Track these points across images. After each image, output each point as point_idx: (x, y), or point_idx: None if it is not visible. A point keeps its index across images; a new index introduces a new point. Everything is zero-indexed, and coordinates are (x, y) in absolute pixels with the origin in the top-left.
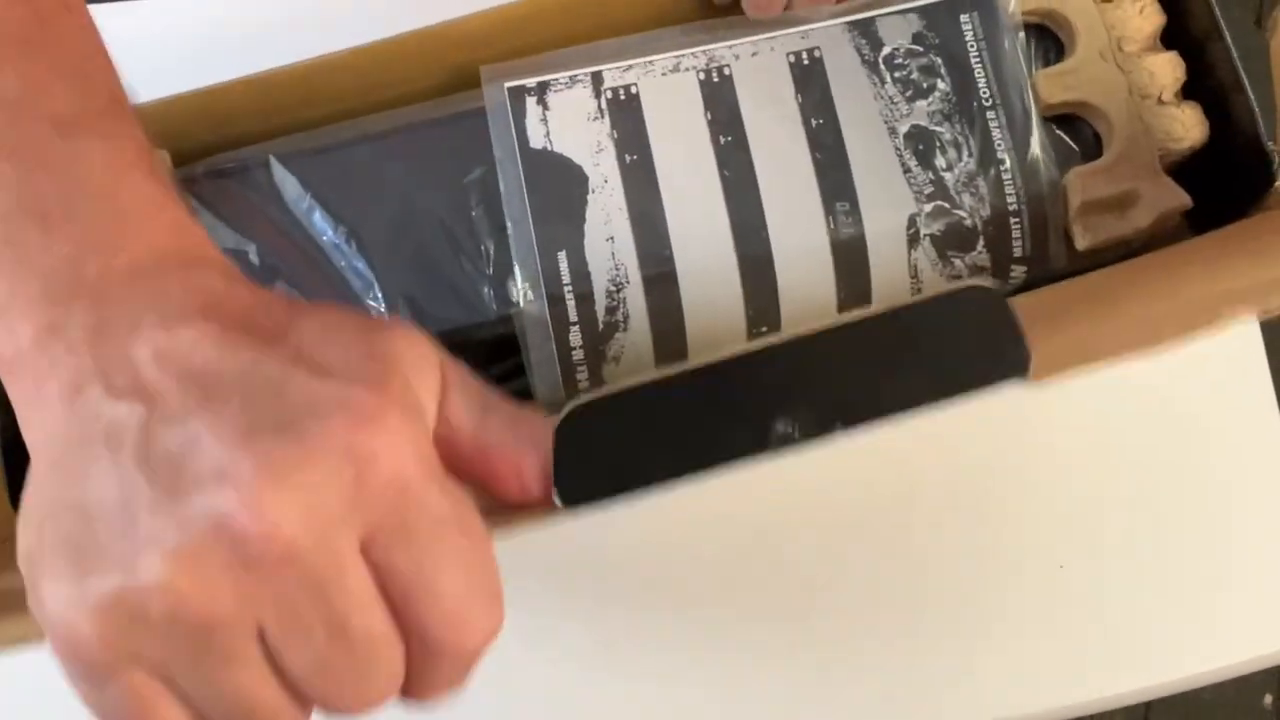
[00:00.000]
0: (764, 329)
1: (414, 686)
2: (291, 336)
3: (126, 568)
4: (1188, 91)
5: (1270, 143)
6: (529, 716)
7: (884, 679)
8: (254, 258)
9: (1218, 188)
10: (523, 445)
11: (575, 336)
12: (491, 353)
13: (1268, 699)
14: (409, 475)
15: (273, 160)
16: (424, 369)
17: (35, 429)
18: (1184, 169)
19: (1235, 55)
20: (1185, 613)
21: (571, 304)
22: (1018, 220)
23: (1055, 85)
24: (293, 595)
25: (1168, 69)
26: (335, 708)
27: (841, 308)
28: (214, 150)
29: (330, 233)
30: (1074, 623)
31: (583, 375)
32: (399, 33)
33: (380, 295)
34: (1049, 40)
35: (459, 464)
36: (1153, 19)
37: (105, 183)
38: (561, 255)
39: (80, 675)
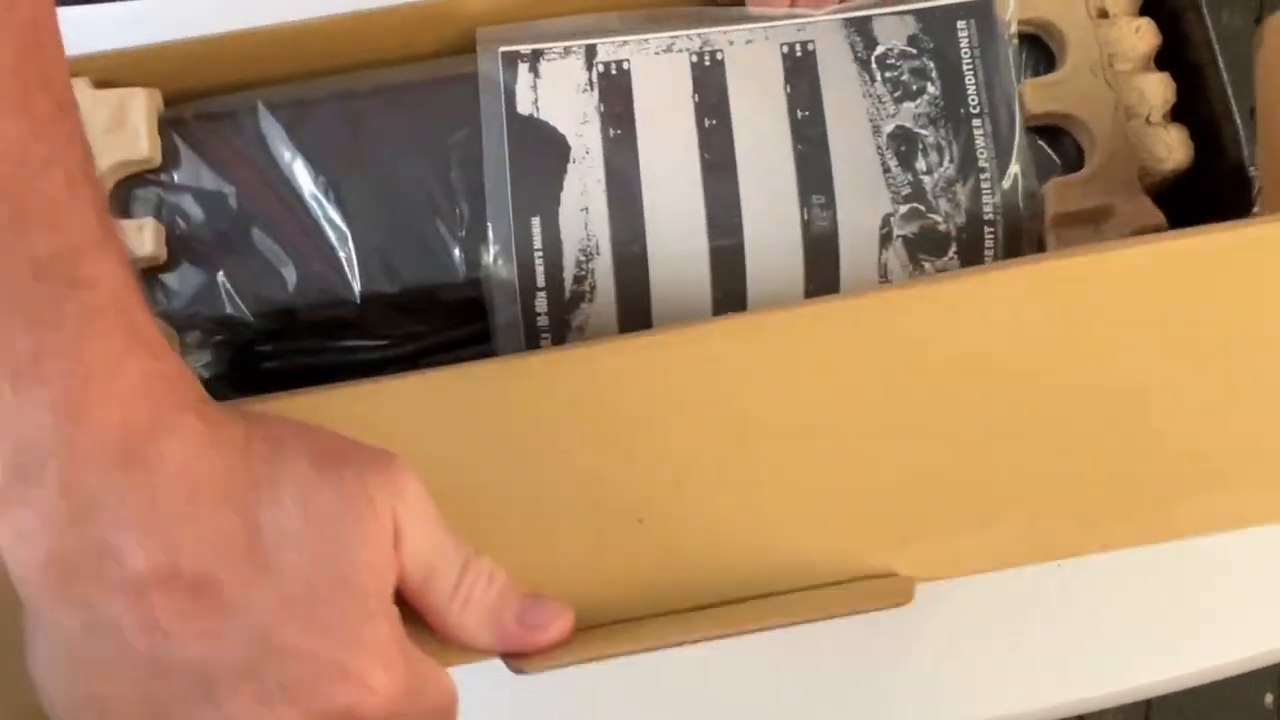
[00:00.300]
0: (729, 312)
1: None
2: (267, 559)
3: None
4: (1178, 114)
5: (1253, 169)
6: None
7: (880, 677)
8: (233, 201)
9: (1197, 211)
10: (485, 635)
11: (541, 302)
12: (458, 315)
13: (1268, 698)
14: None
15: (261, 108)
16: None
17: (27, 593)
18: (1166, 191)
19: (1228, 84)
20: (1185, 611)
21: (540, 270)
22: (992, 230)
23: (1042, 96)
24: None
25: (1158, 90)
26: None
27: (808, 297)
28: (205, 95)
29: (310, 183)
30: (1073, 621)
31: (546, 343)
32: (402, 2)
33: (353, 249)
34: (1040, 51)
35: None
36: (1147, 39)
37: (75, 340)
38: (535, 221)
39: None
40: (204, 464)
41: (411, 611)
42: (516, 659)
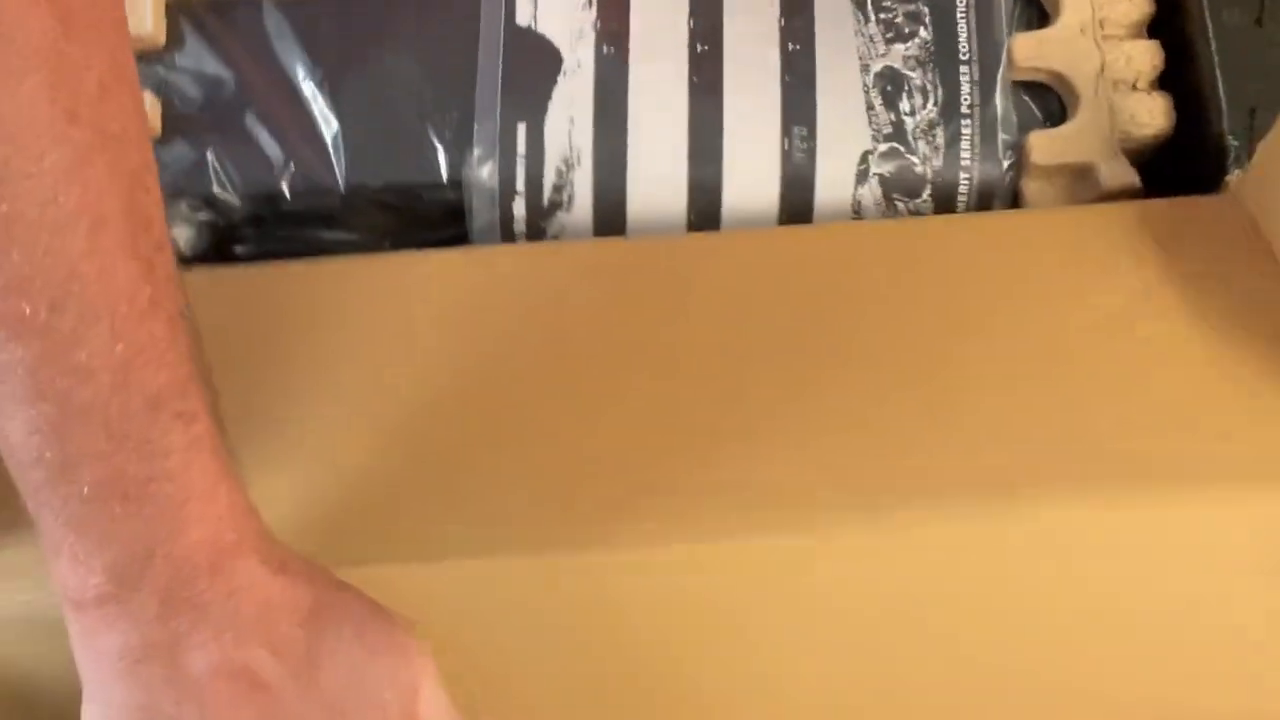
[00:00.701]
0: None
1: None
2: (319, 673)
3: None
4: (1165, 82)
5: (1231, 138)
6: None
7: None
8: (231, 86)
9: (1175, 176)
10: None
11: (519, 207)
12: (438, 219)
13: None
14: None
15: (266, 1)
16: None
17: (90, 668)
18: (1147, 157)
19: (1217, 59)
20: None
21: (521, 175)
22: (967, 176)
23: (1030, 50)
24: None
25: (1146, 56)
26: None
27: (781, 225)
28: None
29: (307, 76)
30: None
31: None
32: None
33: (341, 142)
34: (1035, 8)
35: None
36: (1141, 7)
37: (179, 468)
38: (521, 127)
39: None
40: (277, 585)
41: None
42: None
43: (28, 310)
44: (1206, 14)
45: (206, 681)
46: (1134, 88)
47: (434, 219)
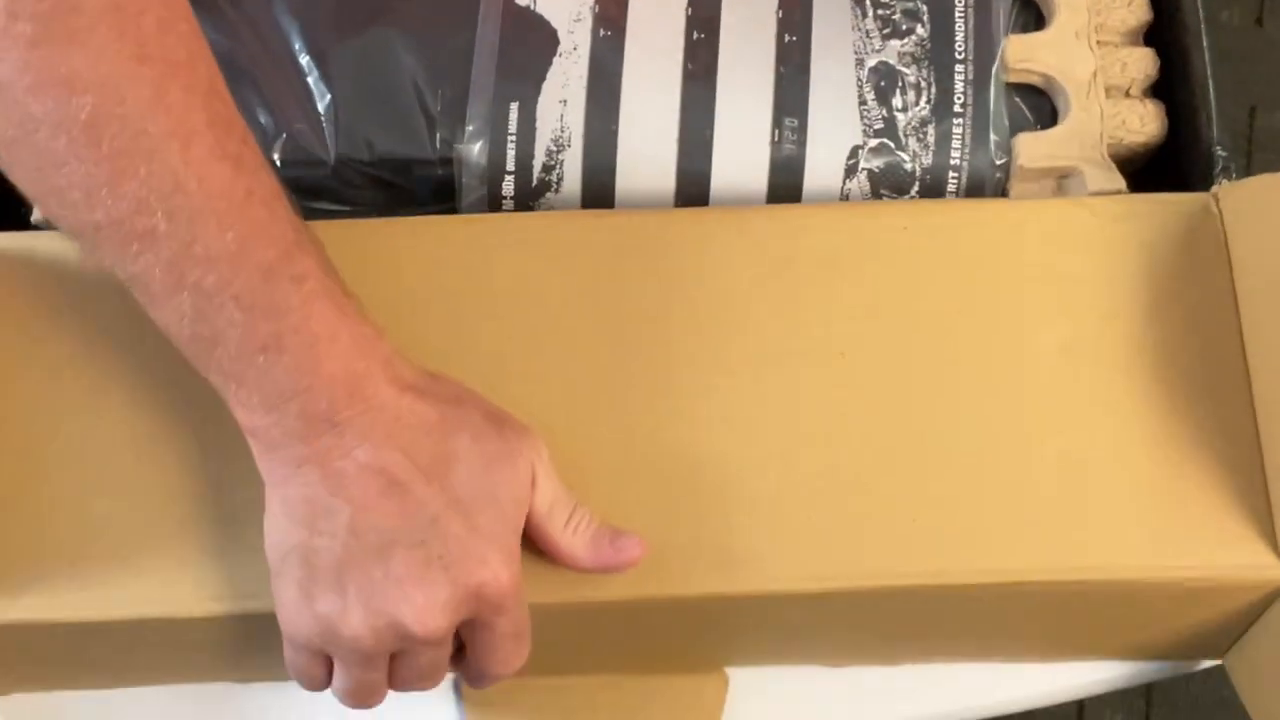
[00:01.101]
0: None
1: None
2: (444, 472)
3: (335, 607)
4: (1159, 89)
5: (1219, 149)
6: None
7: None
8: (227, 54)
9: (1163, 183)
10: (587, 556)
11: (508, 186)
12: (428, 192)
13: None
14: (505, 604)
15: None
16: (540, 487)
17: (268, 474)
18: (1137, 163)
19: (1209, 68)
20: None
21: (511, 154)
22: (956, 175)
23: (1023, 52)
24: (416, 650)
25: (1140, 64)
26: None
27: None
28: None
29: (303, 47)
30: None
31: None
32: None
33: (335, 113)
34: (1032, 12)
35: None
36: (1138, 14)
37: (300, 320)
38: (514, 106)
39: (288, 642)
40: (405, 400)
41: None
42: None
43: (149, 224)
44: (1202, 24)
45: (353, 478)
46: (1127, 94)
47: (423, 194)
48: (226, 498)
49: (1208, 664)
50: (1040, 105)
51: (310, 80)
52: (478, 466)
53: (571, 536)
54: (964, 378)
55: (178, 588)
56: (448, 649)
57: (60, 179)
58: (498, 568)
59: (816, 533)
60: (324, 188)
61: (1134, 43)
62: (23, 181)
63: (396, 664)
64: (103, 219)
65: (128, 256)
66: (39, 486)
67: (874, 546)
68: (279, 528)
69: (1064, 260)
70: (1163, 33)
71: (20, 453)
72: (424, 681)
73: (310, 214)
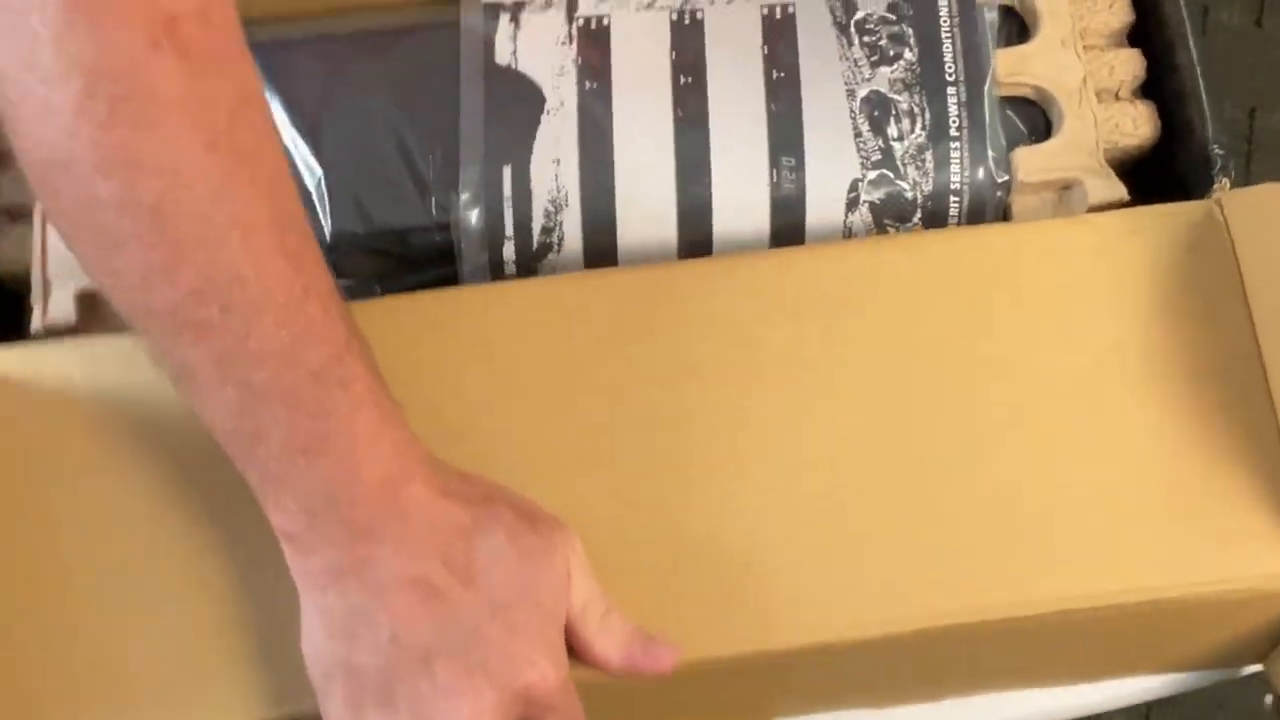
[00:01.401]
0: None
1: None
2: (481, 576)
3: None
4: (1148, 90)
5: (1216, 147)
6: None
7: None
8: None
9: (1161, 184)
10: (619, 658)
11: (509, 251)
12: (428, 259)
13: (1268, 699)
14: (554, 702)
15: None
16: (576, 585)
17: (302, 581)
18: (1132, 167)
19: (1198, 63)
20: None
21: (509, 219)
22: (958, 199)
23: (1012, 65)
24: None
25: (1128, 65)
26: None
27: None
28: None
29: (287, 122)
30: None
31: None
32: None
33: (325, 188)
34: (1015, 22)
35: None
36: (1121, 15)
37: (345, 424)
38: (506, 170)
39: None
40: (440, 505)
41: None
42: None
43: (205, 314)
44: (1186, 20)
45: (393, 589)
46: (1117, 97)
47: (423, 260)
48: (264, 616)
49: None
50: (1033, 116)
51: (299, 155)
52: (514, 566)
53: (605, 637)
54: (983, 408)
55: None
56: None
57: (120, 261)
58: (545, 668)
59: (851, 579)
60: None
61: (1118, 45)
62: (83, 259)
63: None
64: (159, 305)
65: (181, 345)
66: (70, 640)
67: (908, 588)
68: (318, 640)
69: (1072, 281)
70: (1147, 32)
71: (39, 606)
72: None
73: None
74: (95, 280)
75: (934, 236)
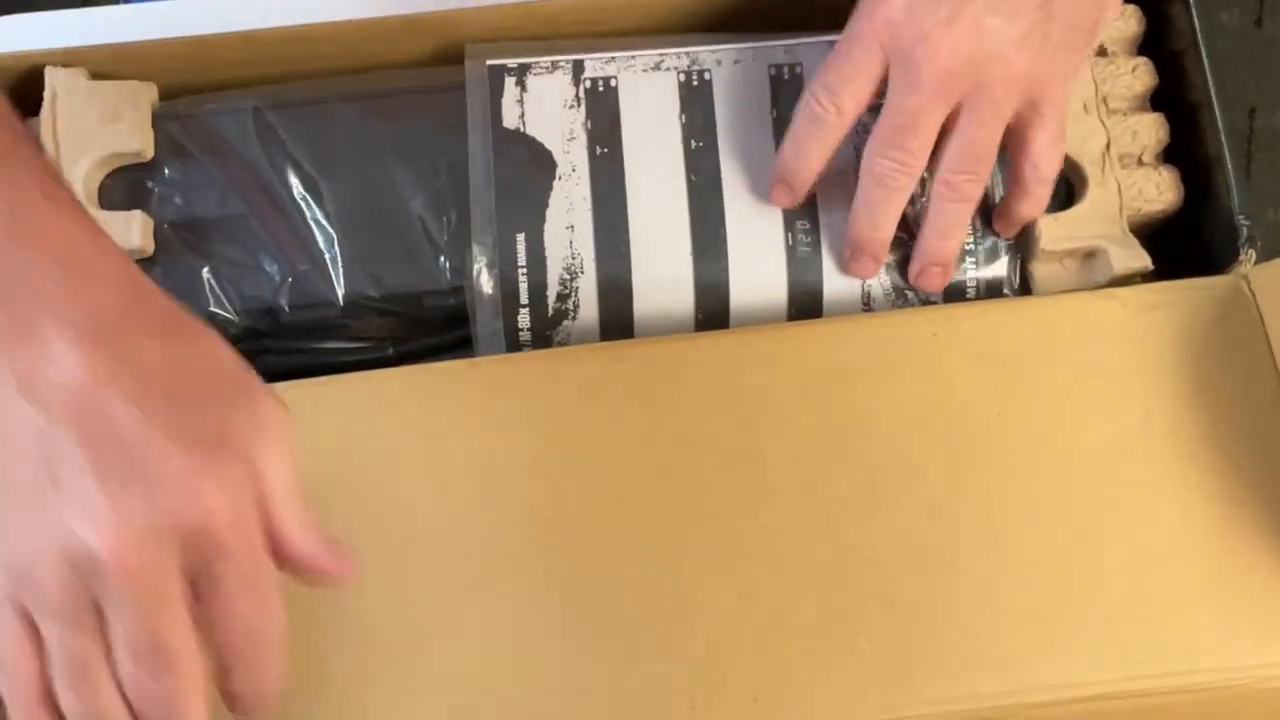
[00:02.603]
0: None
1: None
2: (165, 375)
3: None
4: (1172, 154)
5: (1242, 217)
6: None
7: None
8: (222, 199)
9: (1186, 253)
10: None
11: (524, 319)
12: (442, 322)
13: None
14: (223, 537)
15: (254, 108)
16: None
17: None
18: (1156, 233)
19: (1223, 128)
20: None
21: (524, 286)
22: (974, 260)
23: None
24: (120, 596)
25: (1151, 130)
26: None
27: (790, 320)
28: (201, 92)
29: (299, 185)
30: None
31: None
32: (393, 14)
33: (338, 252)
34: None
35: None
36: (1144, 80)
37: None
38: (520, 237)
39: None
40: (119, 325)
41: None
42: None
43: None
44: (1211, 85)
45: (50, 404)
46: (1140, 162)
47: (437, 323)
48: None
49: None
50: (1055, 184)
51: (311, 220)
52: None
53: (297, 517)
54: (1012, 486)
55: None
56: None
57: None
58: (215, 501)
59: (880, 661)
60: (334, 326)
61: (1141, 109)
62: None
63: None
64: None
65: None
66: None
67: (942, 670)
68: None
69: (1100, 356)
70: (1170, 96)
71: None
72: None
73: (321, 354)
74: None
75: (958, 310)
